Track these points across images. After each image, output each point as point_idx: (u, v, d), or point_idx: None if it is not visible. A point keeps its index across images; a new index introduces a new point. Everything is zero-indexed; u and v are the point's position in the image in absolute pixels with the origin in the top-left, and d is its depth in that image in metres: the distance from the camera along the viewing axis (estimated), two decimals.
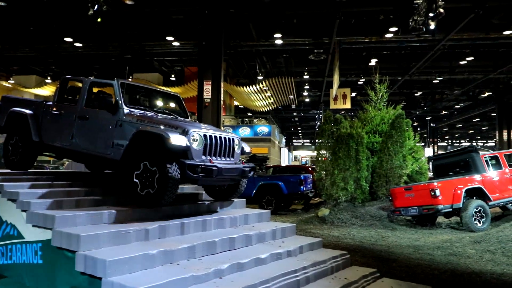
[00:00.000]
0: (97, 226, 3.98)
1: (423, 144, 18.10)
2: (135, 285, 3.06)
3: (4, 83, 24.52)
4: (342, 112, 22.07)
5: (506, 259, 6.07)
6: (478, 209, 8.70)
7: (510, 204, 9.85)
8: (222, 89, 15.37)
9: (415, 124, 43.09)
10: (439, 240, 7.67)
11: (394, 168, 11.11)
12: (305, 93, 30.07)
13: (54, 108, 5.67)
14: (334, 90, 21.26)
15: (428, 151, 39.68)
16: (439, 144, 53.46)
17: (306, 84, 27.63)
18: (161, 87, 15.96)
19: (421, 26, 11.21)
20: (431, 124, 44.55)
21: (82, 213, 4.03)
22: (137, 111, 5.03)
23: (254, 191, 12.43)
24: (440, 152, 41.26)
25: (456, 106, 35.48)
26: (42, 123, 5.74)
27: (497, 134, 31.75)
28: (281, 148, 42.39)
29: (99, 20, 12.19)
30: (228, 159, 4.99)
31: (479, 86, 27.47)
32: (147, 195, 4.40)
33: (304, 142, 67.86)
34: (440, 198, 8.68)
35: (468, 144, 58.77)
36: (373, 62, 20.96)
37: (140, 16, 16.55)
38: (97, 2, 11.60)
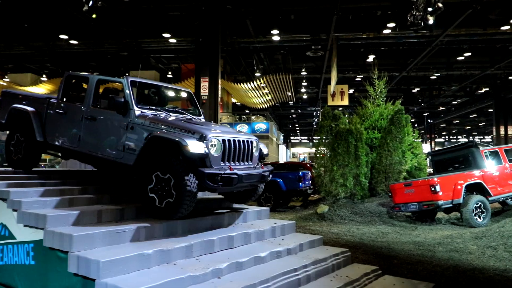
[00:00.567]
0: (91, 225, 3.86)
1: (420, 140, 18.07)
2: (130, 287, 2.97)
3: None
4: (340, 108, 22.01)
5: (509, 255, 5.99)
6: (479, 205, 8.65)
7: (510, 199, 9.80)
8: (219, 86, 15.26)
9: (413, 120, 43.09)
10: (440, 236, 7.60)
11: (393, 164, 11.04)
12: (303, 90, 30.00)
13: (59, 106, 5.38)
14: (332, 87, 21.15)
15: (426, 147, 39.71)
16: (436, 140, 53.58)
17: (304, 81, 27.56)
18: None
19: (419, 21, 11.11)
20: (429, 120, 44.60)
21: (75, 212, 3.91)
22: (149, 113, 4.72)
23: None
24: (437, 148, 41.31)
25: (453, 102, 35.54)
26: (46, 122, 5.45)
27: (494, 130, 31.86)
28: (279, 145, 42.32)
29: (94, 16, 12.04)
30: (247, 163, 4.73)
31: (476, 82, 27.54)
32: (167, 205, 4.10)
33: (302, 139, 67.92)
34: (440, 193, 8.61)
35: (465, 139, 59.03)
36: (370, 58, 20.93)
37: (136, 12, 16.41)
38: None
